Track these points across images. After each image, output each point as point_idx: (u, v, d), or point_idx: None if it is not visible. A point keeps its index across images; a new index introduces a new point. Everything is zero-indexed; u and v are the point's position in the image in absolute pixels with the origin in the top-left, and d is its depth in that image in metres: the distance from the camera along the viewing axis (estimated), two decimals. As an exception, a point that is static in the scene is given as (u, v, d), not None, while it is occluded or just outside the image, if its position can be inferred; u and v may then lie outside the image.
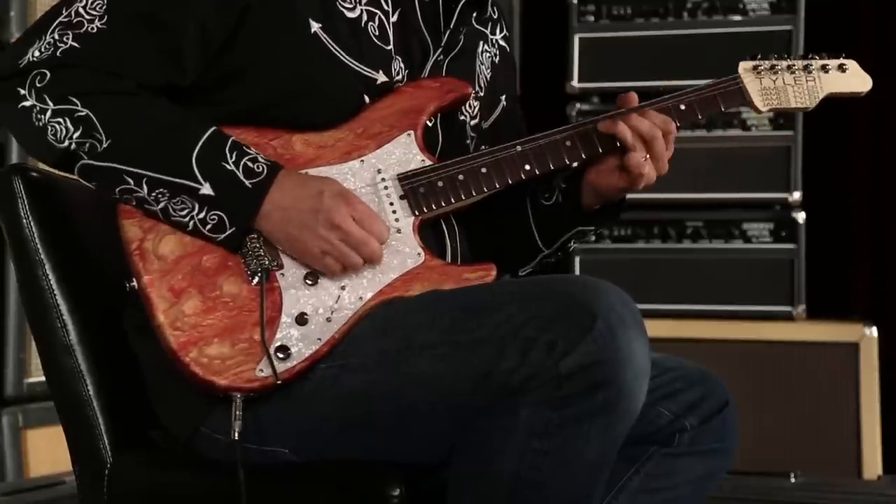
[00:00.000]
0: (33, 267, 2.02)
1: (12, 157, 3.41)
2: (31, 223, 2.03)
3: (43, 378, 2.12)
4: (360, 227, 1.91)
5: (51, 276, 2.02)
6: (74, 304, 2.03)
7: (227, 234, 1.90)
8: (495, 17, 2.23)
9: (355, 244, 1.91)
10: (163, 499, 2.02)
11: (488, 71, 2.20)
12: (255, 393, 1.87)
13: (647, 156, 2.03)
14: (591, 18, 4.38)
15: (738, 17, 4.24)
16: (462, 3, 2.10)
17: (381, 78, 2.02)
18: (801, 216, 4.20)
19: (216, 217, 1.90)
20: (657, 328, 3.96)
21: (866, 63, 2.22)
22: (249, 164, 1.91)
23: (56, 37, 1.91)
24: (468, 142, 2.13)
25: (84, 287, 2.05)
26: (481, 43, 2.19)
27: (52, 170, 2.01)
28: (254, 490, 1.92)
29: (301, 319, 1.90)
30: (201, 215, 1.90)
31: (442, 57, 2.10)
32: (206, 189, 1.89)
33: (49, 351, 2.04)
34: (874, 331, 4.03)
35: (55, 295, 2.02)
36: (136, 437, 2.03)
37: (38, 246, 2.02)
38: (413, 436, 1.87)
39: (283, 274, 1.92)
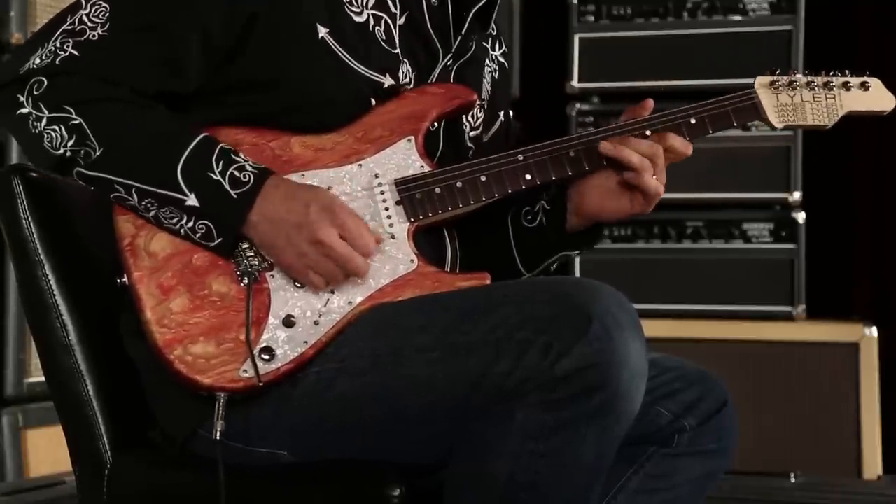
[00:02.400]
0: (33, 267, 2.03)
1: (12, 157, 3.41)
2: (31, 223, 2.03)
3: (43, 378, 2.12)
4: (344, 244, 1.89)
5: (50, 277, 2.02)
6: (74, 304, 2.03)
7: (216, 242, 1.90)
8: (495, 33, 2.23)
9: (339, 260, 1.89)
10: (162, 499, 2.02)
11: (489, 86, 2.20)
12: (239, 393, 1.87)
13: (655, 175, 2.02)
14: (591, 18, 4.38)
15: (738, 17, 4.24)
16: (473, 11, 2.10)
17: (388, 82, 2.01)
18: (801, 216, 4.20)
19: (204, 227, 1.90)
20: (657, 328, 3.96)
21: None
22: (236, 172, 1.90)
23: (57, 44, 1.92)
24: (467, 151, 2.12)
25: (83, 287, 2.05)
26: (484, 58, 2.19)
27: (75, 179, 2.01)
28: (254, 491, 1.93)
29: (288, 322, 1.89)
30: (190, 224, 1.90)
31: (451, 62, 2.10)
32: (192, 200, 1.89)
33: (48, 351, 2.04)
34: (874, 331, 4.04)
35: (55, 295, 2.02)
36: (136, 436, 2.03)
37: (38, 246, 2.03)
38: (410, 438, 1.87)
39: (272, 275, 1.92)
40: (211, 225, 1.90)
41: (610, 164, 2.04)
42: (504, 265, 2.15)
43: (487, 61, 2.19)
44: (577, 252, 2.16)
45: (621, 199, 2.06)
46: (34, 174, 2.06)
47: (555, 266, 2.17)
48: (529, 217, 2.14)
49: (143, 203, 1.90)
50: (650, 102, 2.08)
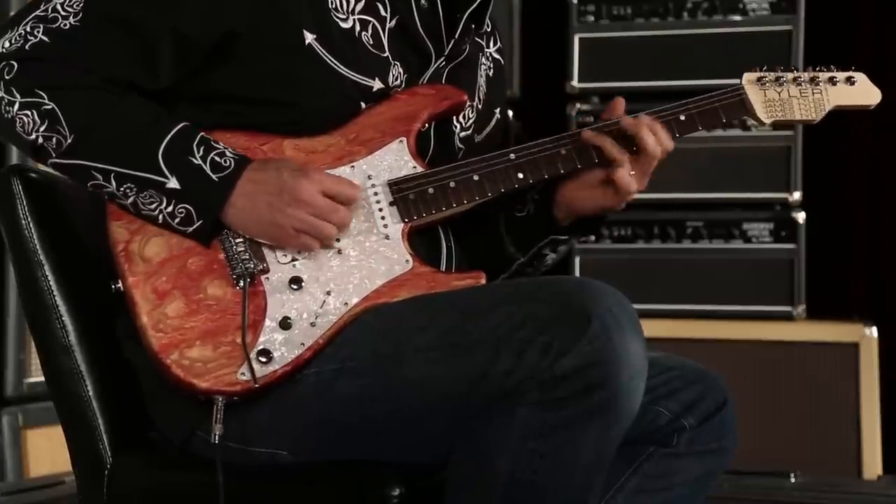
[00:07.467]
0: (33, 268, 2.03)
1: (12, 157, 3.41)
2: (31, 224, 2.03)
3: (43, 378, 2.12)
4: (325, 198, 1.90)
5: (50, 277, 2.02)
6: (73, 304, 2.03)
7: (195, 226, 1.90)
8: (489, 30, 2.23)
9: (324, 214, 1.90)
10: (162, 499, 2.02)
11: (484, 84, 2.20)
12: (237, 397, 1.87)
13: (633, 171, 2.03)
14: (591, 18, 4.38)
15: (738, 17, 4.24)
16: (467, 14, 2.10)
17: (377, 85, 2.02)
18: (801, 216, 4.20)
19: (184, 210, 1.90)
20: (657, 328, 3.96)
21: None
22: (217, 158, 1.91)
23: (28, 29, 1.91)
24: (457, 152, 2.13)
25: (83, 287, 2.05)
26: (479, 55, 2.19)
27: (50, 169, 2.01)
28: (254, 491, 1.93)
29: (285, 324, 1.89)
30: (169, 209, 1.90)
31: (444, 64, 2.09)
32: (173, 183, 1.89)
33: (48, 351, 2.05)
34: (874, 331, 4.03)
35: (54, 296, 2.02)
36: (136, 437, 2.04)
37: (38, 247, 2.03)
38: (411, 437, 1.87)
39: (268, 278, 1.92)
40: (191, 208, 1.90)
41: (602, 159, 2.05)
42: (496, 256, 2.16)
43: (483, 59, 2.20)
44: (565, 237, 2.16)
45: (594, 191, 2.08)
46: (34, 174, 2.06)
47: (549, 255, 2.18)
48: (520, 206, 2.15)
49: (122, 189, 1.90)
50: (621, 101, 2.09)
